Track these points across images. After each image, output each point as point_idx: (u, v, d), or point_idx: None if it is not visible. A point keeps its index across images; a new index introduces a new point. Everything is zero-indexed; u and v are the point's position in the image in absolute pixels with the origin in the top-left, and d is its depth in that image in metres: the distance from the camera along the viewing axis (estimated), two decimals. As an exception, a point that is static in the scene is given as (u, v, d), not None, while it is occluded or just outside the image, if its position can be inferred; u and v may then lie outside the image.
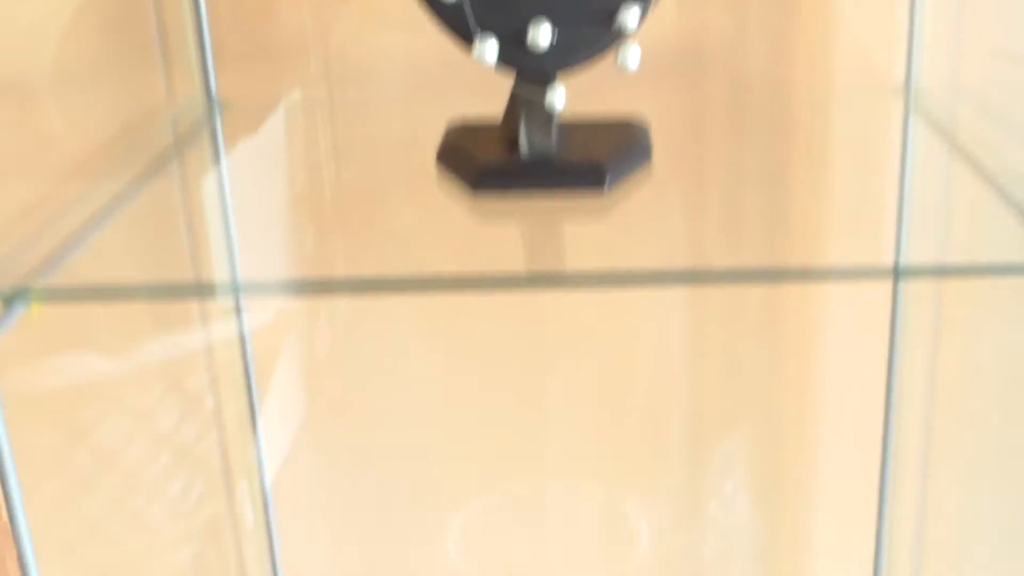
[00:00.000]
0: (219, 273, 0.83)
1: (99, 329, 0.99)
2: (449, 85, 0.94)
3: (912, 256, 0.77)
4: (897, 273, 0.80)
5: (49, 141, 0.91)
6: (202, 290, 0.83)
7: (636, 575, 1.14)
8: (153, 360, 1.03)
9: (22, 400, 0.94)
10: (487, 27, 0.74)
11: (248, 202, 0.86)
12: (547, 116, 0.78)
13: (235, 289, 0.84)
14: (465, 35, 0.74)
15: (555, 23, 0.74)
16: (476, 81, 0.79)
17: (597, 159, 0.79)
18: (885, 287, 0.99)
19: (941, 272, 0.86)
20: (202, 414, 1.07)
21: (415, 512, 1.13)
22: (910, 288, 1.00)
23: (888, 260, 0.76)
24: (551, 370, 1.08)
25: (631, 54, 0.74)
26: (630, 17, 0.73)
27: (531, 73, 0.76)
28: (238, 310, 1.04)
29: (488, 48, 0.74)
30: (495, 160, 0.80)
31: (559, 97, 0.76)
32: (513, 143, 0.79)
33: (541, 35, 0.73)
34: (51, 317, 0.95)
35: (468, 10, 0.73)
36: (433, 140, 0.84)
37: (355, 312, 1.07)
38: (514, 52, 0.74)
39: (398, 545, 1.14)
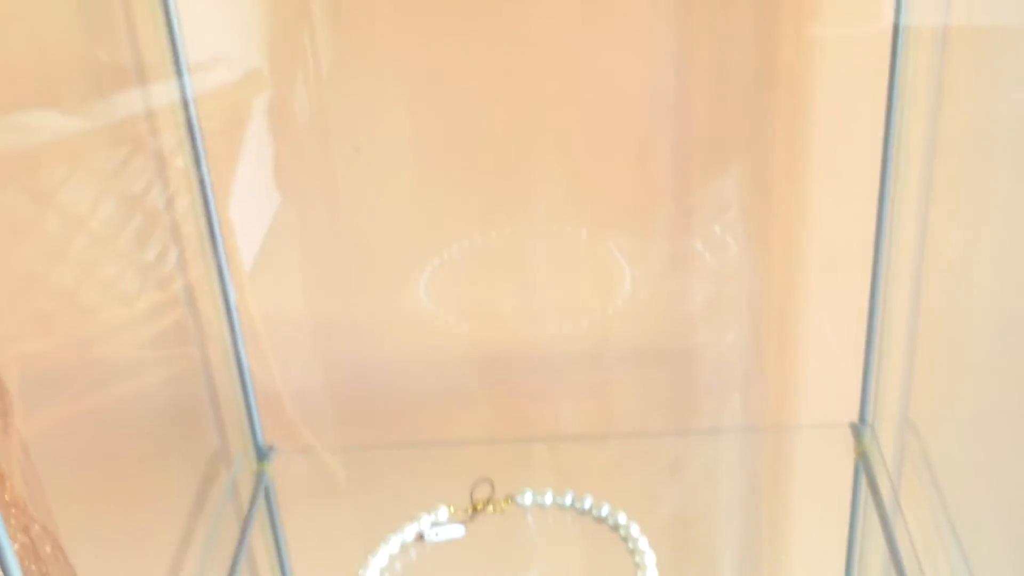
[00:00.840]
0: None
1: (56, 88, 0.94)
2: None
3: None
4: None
5: None
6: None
7: (619, 320, 1.12)
8: (116, 120, 0.99)
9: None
10: None
11: None
12: None
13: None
14: None
15: None
16: None
17: None
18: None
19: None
20: (172, 177, 1.03)
21: (392, 258, 1.11)
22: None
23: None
24: (533, 104, 1.03)
25: None
26: None
27: None
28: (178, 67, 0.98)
29: None
30: None
31: None
32: None
33: None
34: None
35: None
36: None
37: (330, 51, 1.01)
38: None
39: (374, 291, 1.12)
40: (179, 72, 0.97)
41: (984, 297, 0.96)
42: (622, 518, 1.02)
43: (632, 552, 0.99)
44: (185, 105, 0.98)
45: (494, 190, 1.08)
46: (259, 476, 1.11)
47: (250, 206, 1.08)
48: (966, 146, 0.96)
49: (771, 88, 1.01)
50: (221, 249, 1.04)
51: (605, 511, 1.03)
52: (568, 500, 1.05)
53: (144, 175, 1.02)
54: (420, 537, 1.03)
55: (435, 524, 1.03)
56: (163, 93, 1.00)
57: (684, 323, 1.13)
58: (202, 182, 1.01)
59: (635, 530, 1.01)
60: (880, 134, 0.98)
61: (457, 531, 1.03)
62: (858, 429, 1.10)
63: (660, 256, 1.10)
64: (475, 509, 1.04)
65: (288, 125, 1.05)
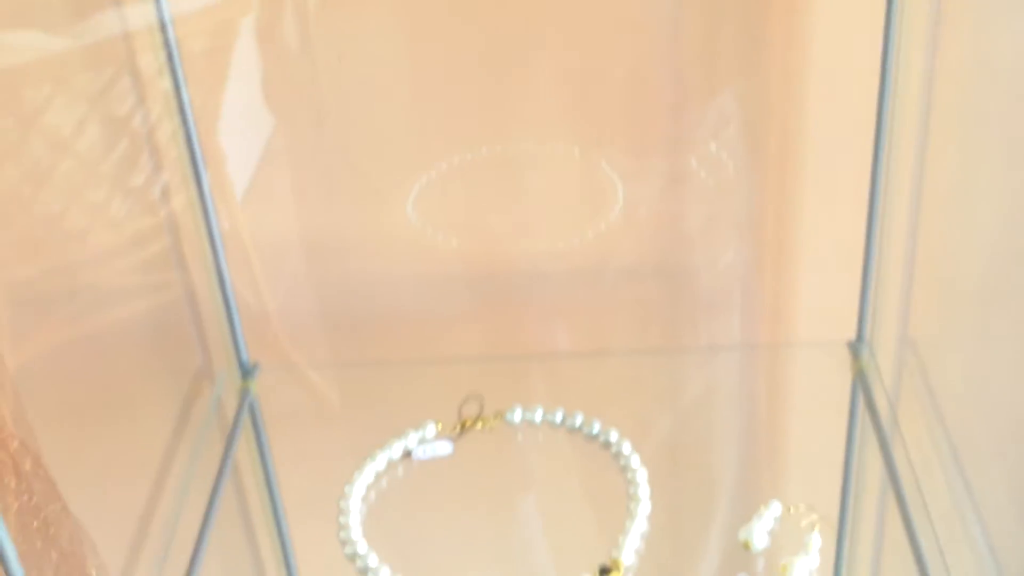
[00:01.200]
0: None
1: (37, 5, 0.93)
2: None
3: None
4: None
5: None
6: None
7: (613, 238, 1.10)
8: (99, 40, 0.97)
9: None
10: None
11: None
12: None
13: None
14: None
15: None
16: None
17: None
18: None
19: None
20: (158, 100, 1.01)
21: (381, 175, 1.09)
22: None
23: None
24: (526, 18, 1.01)
25: None
26: None
27: None
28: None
29: None
30: None
31: None
32: None
33: None
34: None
35: None
36: None
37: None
38: None
39: (363, 208, 1.11)
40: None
41: (984, 213, 0.94)
42: (613, 435, 1.00)
43: (623, 469, 0.98)
44: (163, 27, 0.97)
45: (485, 106, 1.06)
46: (243, 393, 1.10)
47: (237, 126, 1.06)
48: (966, 64, 0.95)
49: (768, 5, 0.99)
50: (202, 167, 1.02)
51: (596, 428, 1.02)
52: (558, 417, 1.03)
53: (129, 98, 1.01)
54: (407, 454, 1.01)
55: (423, 441, 1.02)
56: (146, 14, 0.98)
57: (680, 241, 1.12)
58: (182, 105, 0.99)
59: (627, 447, 0.99)
60: (879, 52, 0.96)
61: (445, 448, 1.01)
62: (855, 347, 1.09)
63: (656, 174, 1.08)
64: (463, 426, 1.03)
65: (275, 45, 1.03)
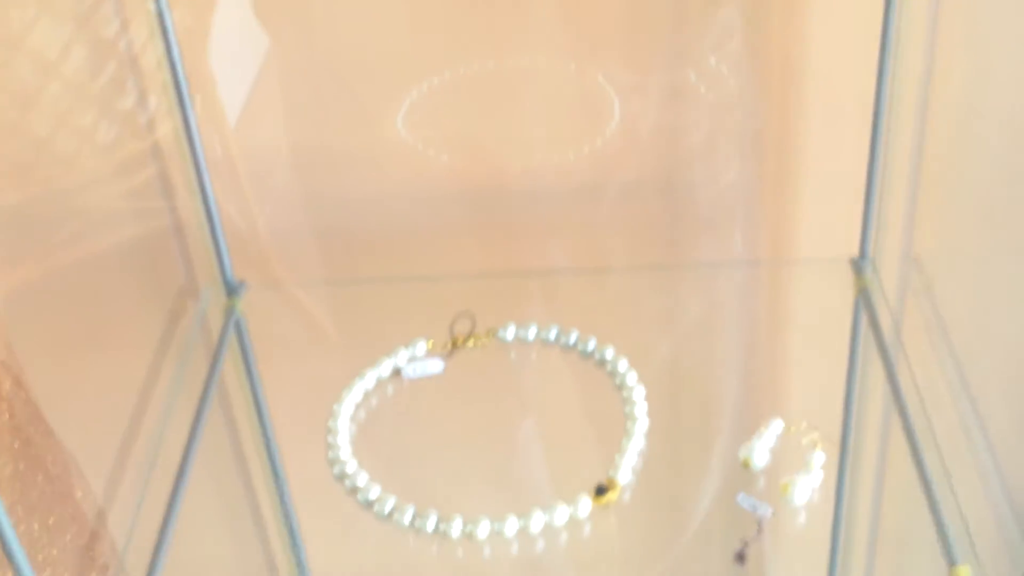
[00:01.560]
0: None
1: None
2: None
3: None
4: None
5: None
6: None
7: (610, 154, 1.08)
8: None
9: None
10: None
11: None
12: None
13: None
14: None
15: None
16: None
17: None
18: None
19: None
20: (144, 23, 0.99)
21: (372, 88, 1.07)
22: None
23: None
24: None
25: None
26: None
27: None
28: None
29: None
30: None
31: None
32: None
33: None
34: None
35: None
36: None
37: None
38: None
39: (353, 123, 1.08)
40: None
41: (989, 129, 0.93)
42: (609, 353, 0.98)
43: (620, 387, 0.96)
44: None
45: (479, 19, 1.04)
46: (228, 311, 1.08)
47: (226, 44, 1.04)
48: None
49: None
50: (184, 88, 1.00)
51: (591, 346, 0.99)
52: (553, 335, 1.01)
53: (115, 20, 0.99)
54: (397, 373, 0.99)
55: (413, 359, 1.00)
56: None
57: (679, 156, 1.10)
58: (165, 27, 0.97)
59: (623, 365, 0.97)
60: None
61: (436, 366, 0.99)
62: (859, 264, 1.07)
63: (654, 88, 1.06)
64: (455, 344, 1.01)
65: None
